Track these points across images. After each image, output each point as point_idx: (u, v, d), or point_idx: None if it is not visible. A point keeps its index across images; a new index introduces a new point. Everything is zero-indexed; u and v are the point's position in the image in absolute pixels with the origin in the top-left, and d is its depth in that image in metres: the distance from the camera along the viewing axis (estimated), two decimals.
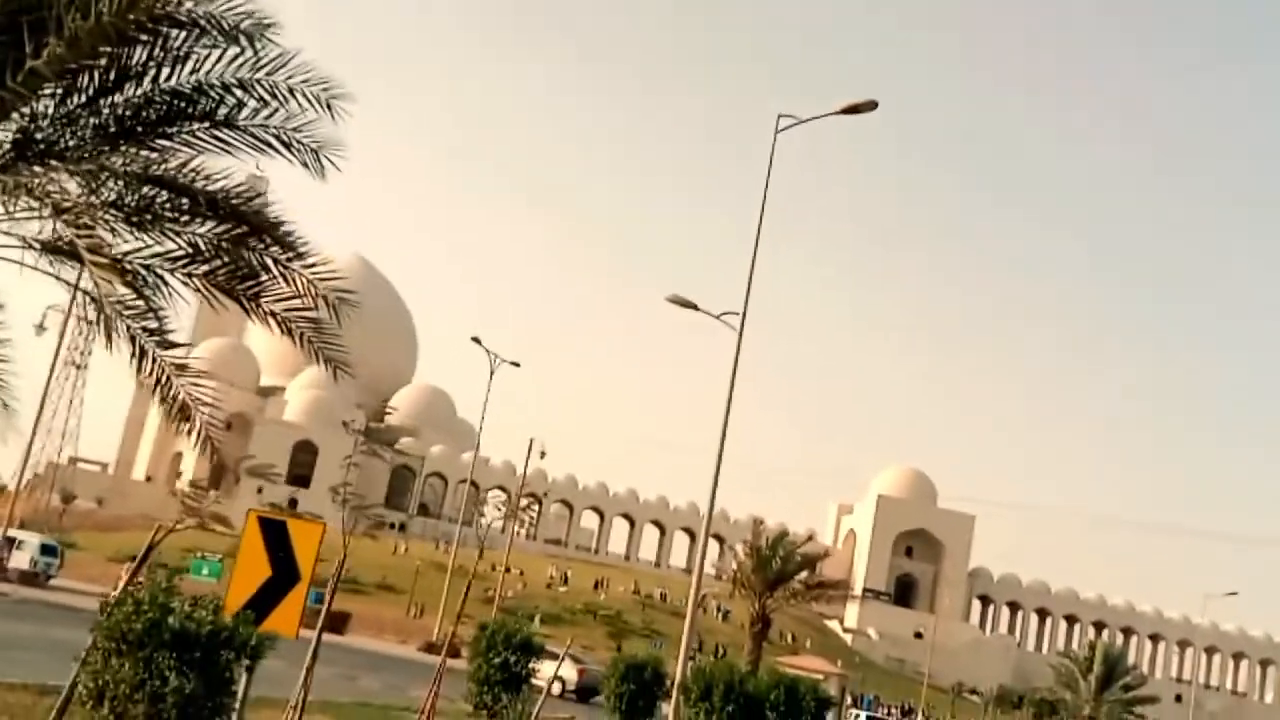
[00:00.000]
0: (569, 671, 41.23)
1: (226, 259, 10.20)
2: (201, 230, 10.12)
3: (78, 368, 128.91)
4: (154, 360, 10.10)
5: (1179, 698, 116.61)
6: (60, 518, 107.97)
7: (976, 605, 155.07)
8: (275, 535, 10.06)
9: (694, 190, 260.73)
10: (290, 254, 10.35)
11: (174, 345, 10.35)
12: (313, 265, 10.48)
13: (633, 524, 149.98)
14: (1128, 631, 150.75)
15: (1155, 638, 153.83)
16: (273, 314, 10.53)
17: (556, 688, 41.14)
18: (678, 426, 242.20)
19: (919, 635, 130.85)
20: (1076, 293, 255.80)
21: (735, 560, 49.15)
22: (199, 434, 10.47)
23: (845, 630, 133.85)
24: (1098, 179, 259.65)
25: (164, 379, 10.16)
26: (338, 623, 53.98)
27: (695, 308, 26.05)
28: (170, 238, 10.06)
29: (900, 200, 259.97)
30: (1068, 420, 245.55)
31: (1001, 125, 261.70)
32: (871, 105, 23.63)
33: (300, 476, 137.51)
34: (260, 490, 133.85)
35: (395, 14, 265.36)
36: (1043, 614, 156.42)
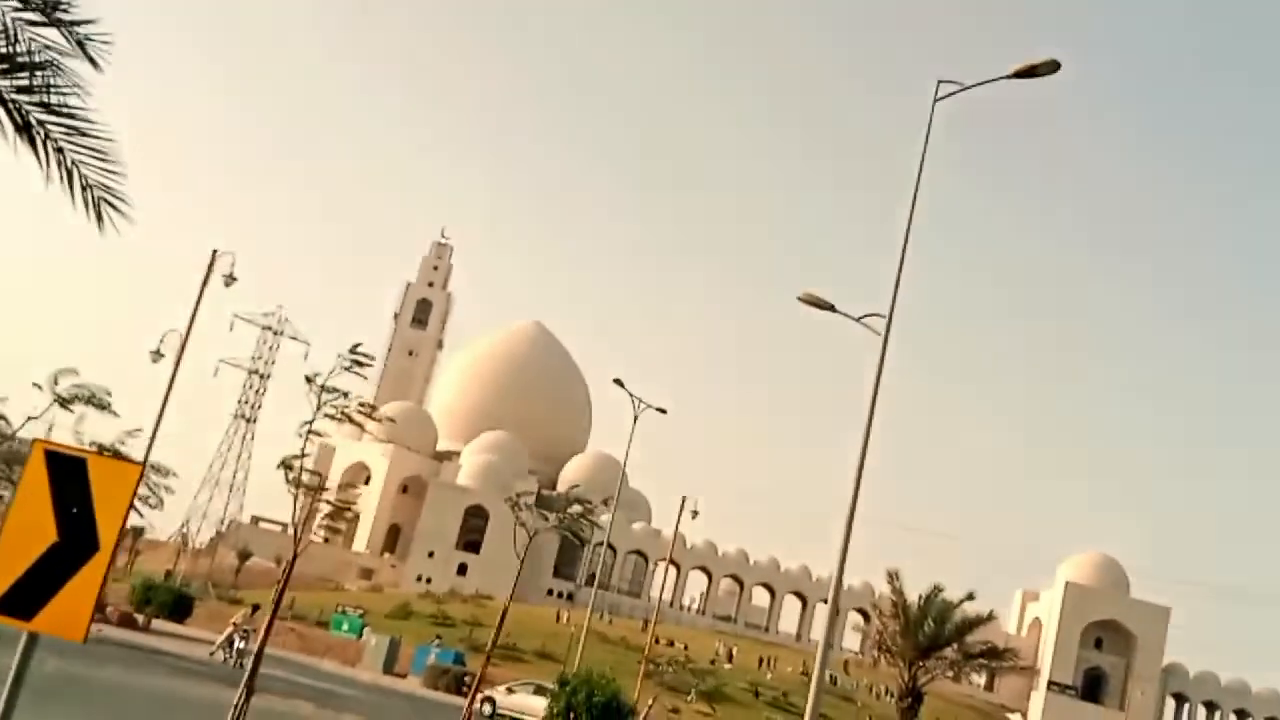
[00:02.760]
0: None
1: None
2: None
3: (248, 421, 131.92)
4: None
5: None
6: (236, 576, 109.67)
7: (1170, 704, 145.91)
8: (68, 480, 6.27)
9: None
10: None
11: None
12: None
13: (805, 602, 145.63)
14: None
15: None
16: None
17: None
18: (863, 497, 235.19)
19: None
20: None
21: (879, 622, 42.12)
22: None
23: None
24: None
25: None
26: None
27: (832, 308, 22.07)
28: None
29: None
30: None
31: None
32: (1052, 66, 19.38)
33: (471, 542, 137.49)
34: (431, 555, 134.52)
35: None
36: (1241, 715, 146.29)
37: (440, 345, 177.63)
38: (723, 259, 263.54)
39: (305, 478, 19.71)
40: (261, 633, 36.03)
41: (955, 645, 39.51)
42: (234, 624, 32.86)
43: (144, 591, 53.55)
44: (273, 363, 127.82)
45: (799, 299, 22.16)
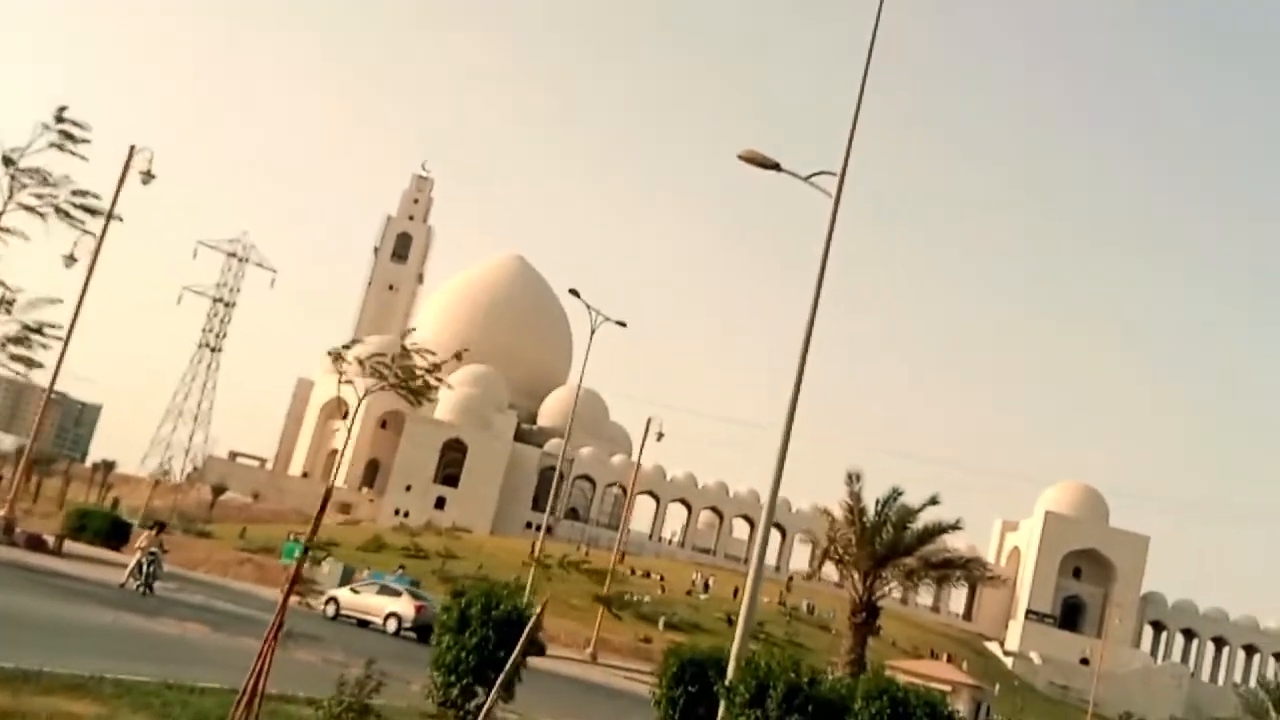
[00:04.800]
0: (406, 608, 38.69)
1: None
2: None
3: (212, 350, 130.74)
4: None
5: None
6: (210, 510, 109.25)
7: (1148, 632, 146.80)
8: None
9: None
10: None
11: None
12: None
13: (784, 534, 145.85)
14: None
15: None
16: None
17: (392, 624, 38.22)
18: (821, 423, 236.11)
19: (1085, 661, 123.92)
20: None
21: (830, 527, 37.31)
22: None
23: (1006, 653, 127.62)
24: None
25: None
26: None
27: (777, 167, 20.08)
28: None
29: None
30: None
31: None
32: None
33: (450, 476, 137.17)
34: (409, 488, 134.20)
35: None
36: (1219, 643, 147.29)
37: (421, 279, 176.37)
38: (716, 191, 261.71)
39: None
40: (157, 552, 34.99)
41: (915, 554, 35.90)
42: (139, 548, 31.88)
43: (78, 518, 52.67)
44: (238, 290, 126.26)
45: (740, 157, 20.39)
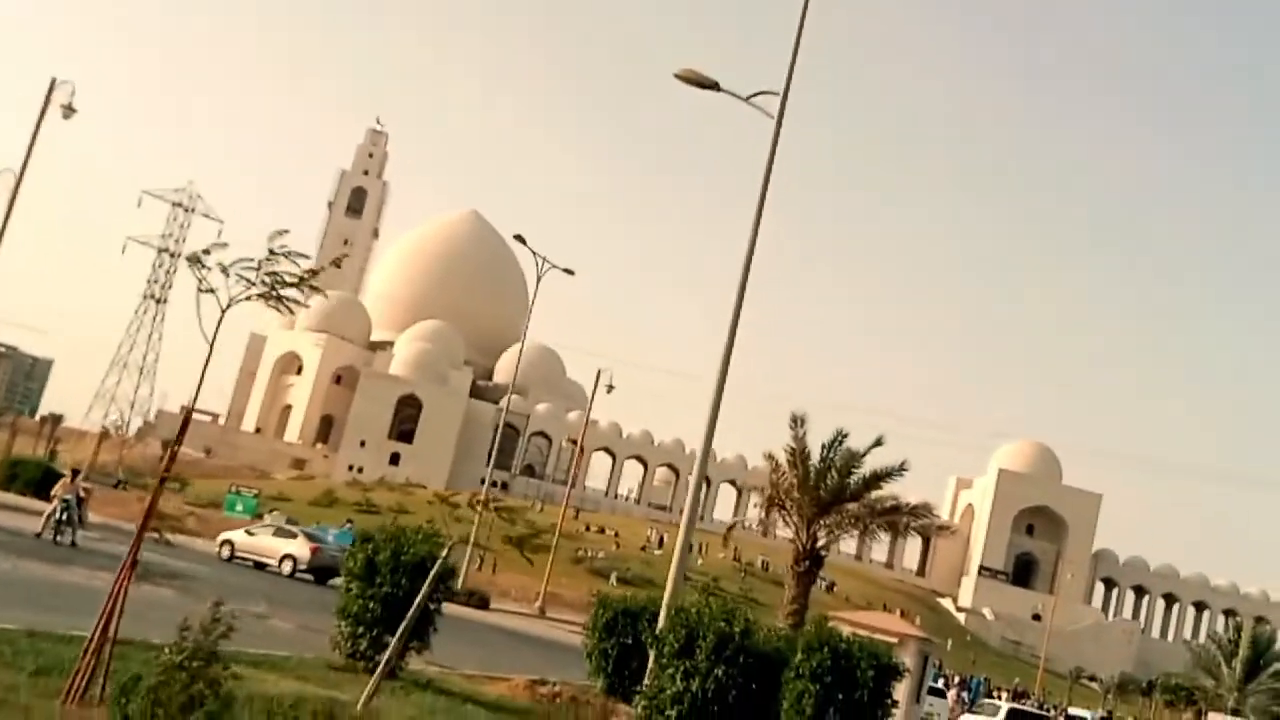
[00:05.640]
0: (301, 549, 38.38)
1: None
2: None
3: (158, 302, 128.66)
4: None
5: None
6: (161, 464, 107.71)
7: (1100, 589, 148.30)
8: None
9: None
10: None
11: None
12: None
13: (740, 491, 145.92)
14: (1259, 622, 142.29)
15: None
16: None
17: (287, 566, 37.90)
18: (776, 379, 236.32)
19: (1037, 617, 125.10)
20: None
21: (773, 472, 35.08)
22: None
23: (959, 609, 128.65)
24: None
25: None
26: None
27: (716, 86, 19.27)
28: None
29: None
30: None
31: None
32: None
33: (405, 432, 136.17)
34: (363, 444, 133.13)
35: None
36: (1170, 600, 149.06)
37: (376, 235, 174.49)
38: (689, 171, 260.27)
39: None
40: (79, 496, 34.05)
41: (861, 500, 33.92)
42: (54, 495, 30.88)
43: (10, 468, 51.54)
44: (183, 240, 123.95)
45: (677, 76, 19.48)
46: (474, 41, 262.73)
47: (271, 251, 9.53)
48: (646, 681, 15.69)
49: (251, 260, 9.48)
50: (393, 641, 11.46)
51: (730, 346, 19.17)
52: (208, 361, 10.07)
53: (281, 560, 38.31)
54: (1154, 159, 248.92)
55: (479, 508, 48.31)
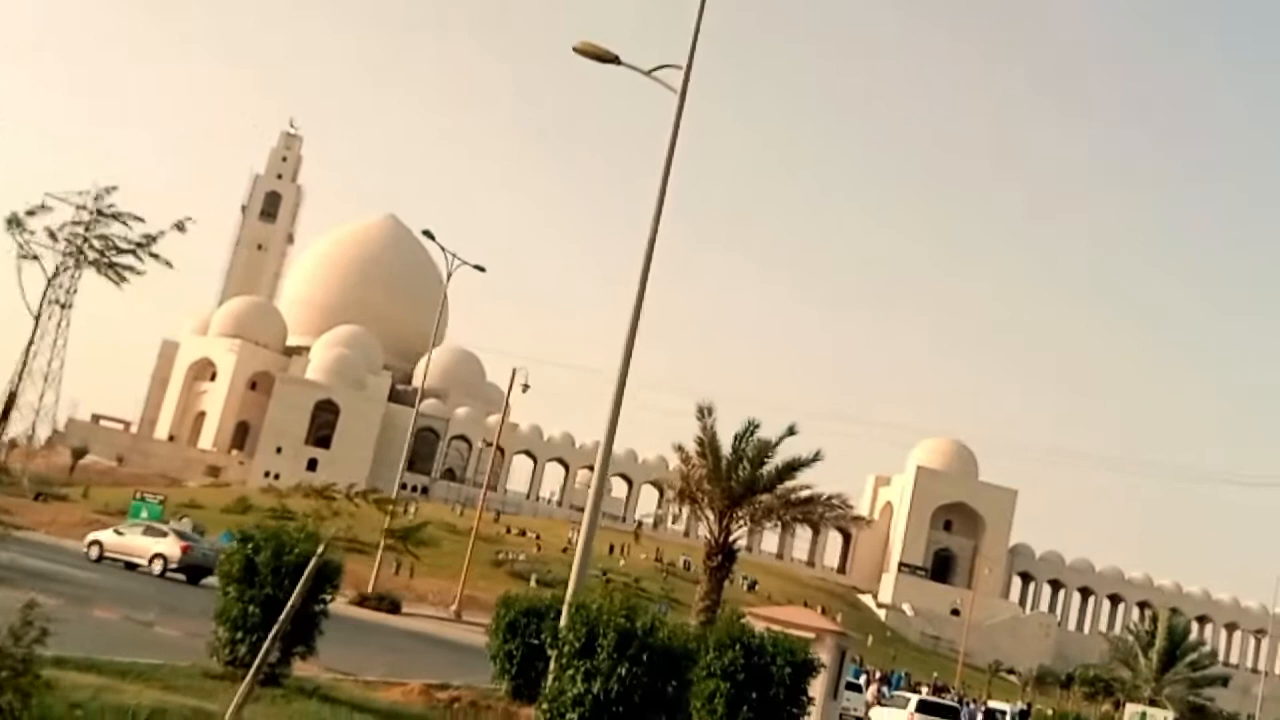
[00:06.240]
0: (171, 548, 38.02)
1: None
2: None
3: (62, 306, 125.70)
4: None
5: (1225, 681, 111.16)
6: (70, 474, 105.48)
7: (1017, 583, 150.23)
8: None
9: None
10: None
11: None
12: None
13: (661, 492, 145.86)
14: (1174, 613, 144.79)
15: (1202, 619, 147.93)
16: None
17: (158, 566, 37.50)
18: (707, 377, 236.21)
19: (956, 612, 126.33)
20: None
21: (683, 465, 34.51)
22: None
23: (879, 605, 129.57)
24: None
25: None
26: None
27: (616, 60, 18.93)
28: None
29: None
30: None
31: None
32: None
33: (322, 438, 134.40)
34: (279, 450, 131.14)
35: None
36: (1085, 593, 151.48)
37: (291, 239, 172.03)
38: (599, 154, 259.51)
39: None
40: None
41: (774, 492, 33.25)
42: None
43: None
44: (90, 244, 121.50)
45: (575, 50, 19.05)
46: (380, 42, 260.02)
47: (99, 213, 8.90)
48: (547, 683, 15.17)
49: (80, 223, 8.86)
50: (264, 645, 10.82)
51: (631, 341, 18.87)
52: (29, 343, 9.40)
53: (152, 559, 37.98)
54: (1072, 138, 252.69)
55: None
